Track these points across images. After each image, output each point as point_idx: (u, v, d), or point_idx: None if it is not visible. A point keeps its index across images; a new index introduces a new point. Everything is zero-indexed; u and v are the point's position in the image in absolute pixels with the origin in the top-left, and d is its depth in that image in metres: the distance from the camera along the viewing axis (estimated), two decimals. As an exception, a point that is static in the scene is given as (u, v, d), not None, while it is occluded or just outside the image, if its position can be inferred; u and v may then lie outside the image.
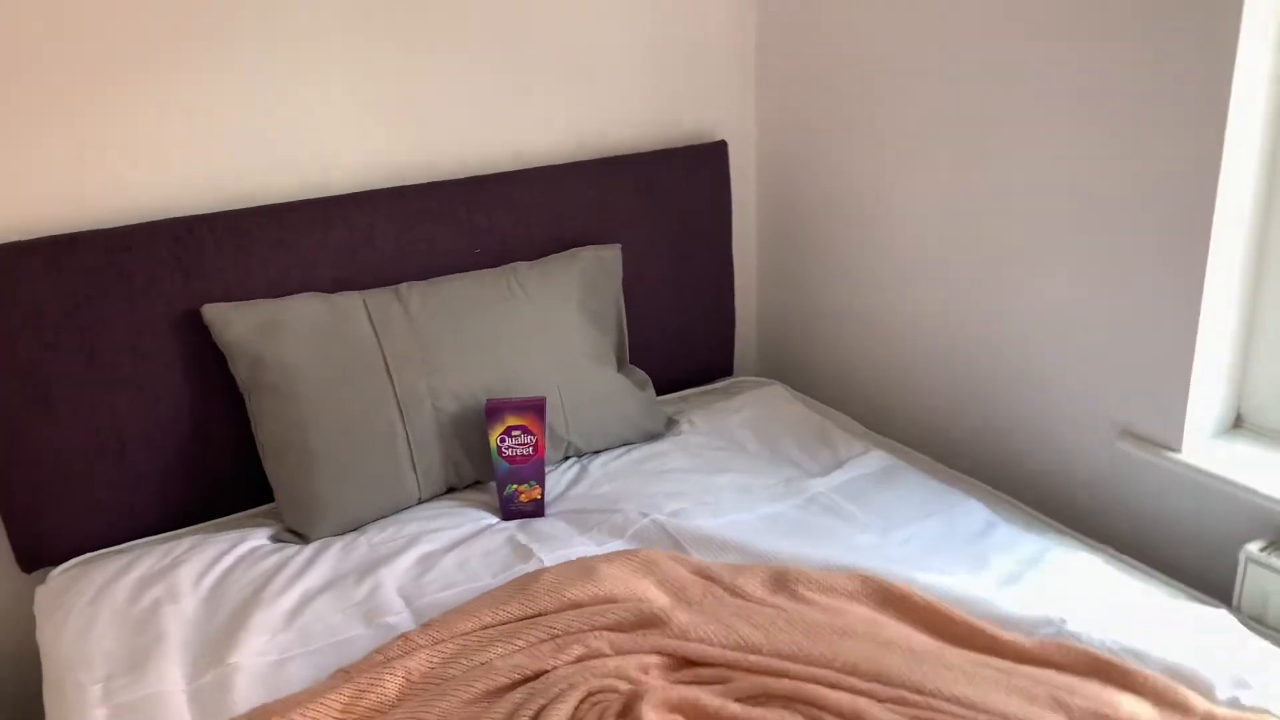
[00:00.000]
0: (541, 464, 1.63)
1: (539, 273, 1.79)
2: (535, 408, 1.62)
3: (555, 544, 1.52)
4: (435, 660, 1.24)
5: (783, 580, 1.38)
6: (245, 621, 1.36)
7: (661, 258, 2.03)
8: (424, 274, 1.75)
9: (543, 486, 1.63)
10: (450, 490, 1.71)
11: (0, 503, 1.56)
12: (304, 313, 1.61)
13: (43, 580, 1.56)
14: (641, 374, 1.93)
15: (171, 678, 1.27)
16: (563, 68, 1.92)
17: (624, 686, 1.13)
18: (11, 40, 1.47)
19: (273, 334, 1.58)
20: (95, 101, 1.55)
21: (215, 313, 1.59)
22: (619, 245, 1.93)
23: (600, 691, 1.14)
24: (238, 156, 1.67)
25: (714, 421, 1.92)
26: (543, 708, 1.11)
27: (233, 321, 1.58)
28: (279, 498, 1.62)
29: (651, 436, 1.86)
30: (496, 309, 1.72)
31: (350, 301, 1.64)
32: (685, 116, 2.09)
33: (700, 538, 1.52)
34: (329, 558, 1.52)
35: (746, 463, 1.77)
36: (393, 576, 1.46)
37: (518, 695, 1.15)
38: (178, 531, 1.65)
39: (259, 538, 1.59)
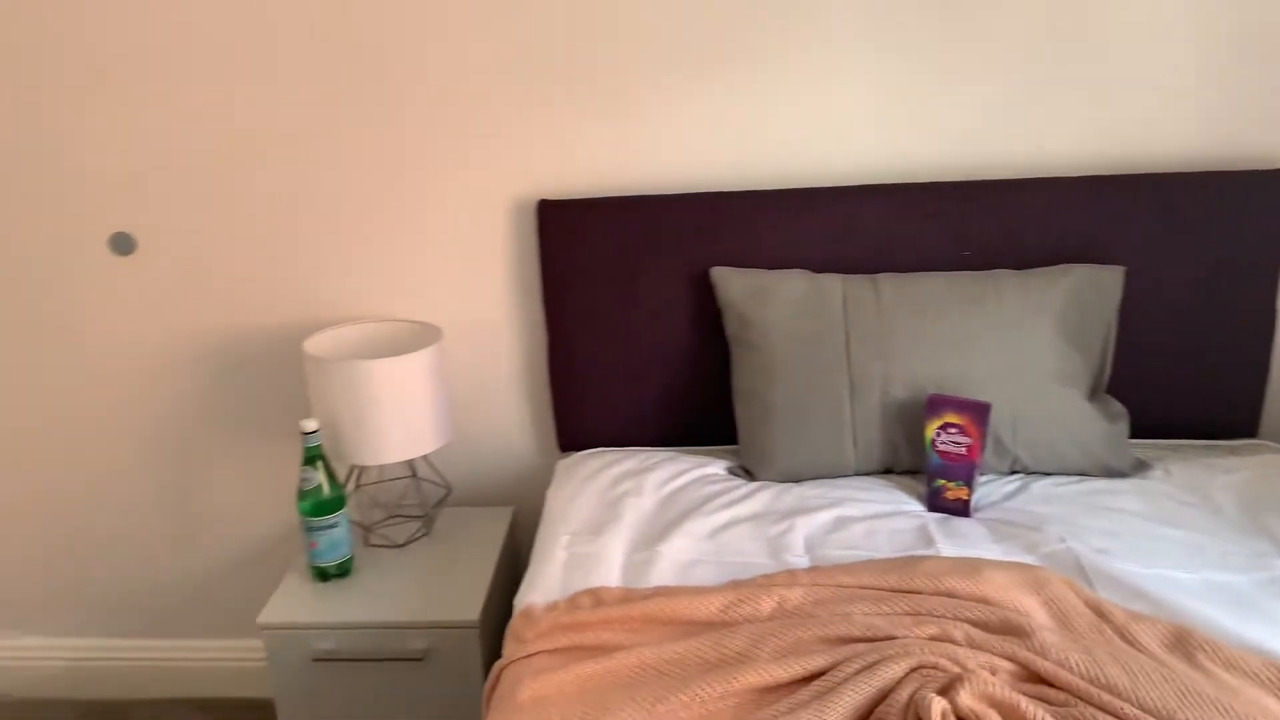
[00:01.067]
0: (974, 467, 1.67)
1: (1020, 282, 1.80)
2: (977, 410, 1.66)
3: (961, 542, 1.57)
4: (809, 598, 1.40)
5: (1185, 642, 1.28)
6: (681, 524, 1.65)
7: (1178, 291, 1.89)
8: (904, 267, 1.87)
9: (971, 488, 1.68)
10: (888, 471, 1.83)
11: (555, 398, 2.06)
12: (789, 286, 1.84)
13: (563, 458, 2.03)
14: (1118, 406, 1.84)
15: (615, 547, 1.61)
16: (1095, 72, 1.87)
17: (954, 669, 1.19)
18: (588, 42, 1.90)
19: (760, 299, 1.84)
20: (647, 95, 1.93)
21: (720, 275, 1.89)
22: (1122, 269, 1.85)
23: (931, 667, 1.20)
24: (756, 145, 1.95)
25: (1194, 475, 1.76)
26: (874, 662, 1.21)
27: (732, 284, 1.87)
28: (740, 438, 1.88)
29: (1111, 473, 1.77)
30: (966, 310, 1.78)
31: (830, 282, 1.83)
32: (1241, 138, 1.90)
33: (1114, 579, 1.45)
34: (764, 497, 1.75)
35: (1212, 524, 1.61)
36: (806, 526, 1.64)
37: (860, 647, 1.26)
38: (660, 448, 2.01)
39: (717, 467, 1.88)
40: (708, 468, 1.87)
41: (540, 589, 1.53)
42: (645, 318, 1.97)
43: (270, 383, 2.18)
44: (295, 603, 1.89)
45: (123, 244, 2.10)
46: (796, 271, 1.87)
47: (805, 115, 1.93)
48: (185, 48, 1.96)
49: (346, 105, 1.98)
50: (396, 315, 2.11)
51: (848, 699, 1.16)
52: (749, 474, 1.85)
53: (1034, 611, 1.34)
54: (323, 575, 1.94)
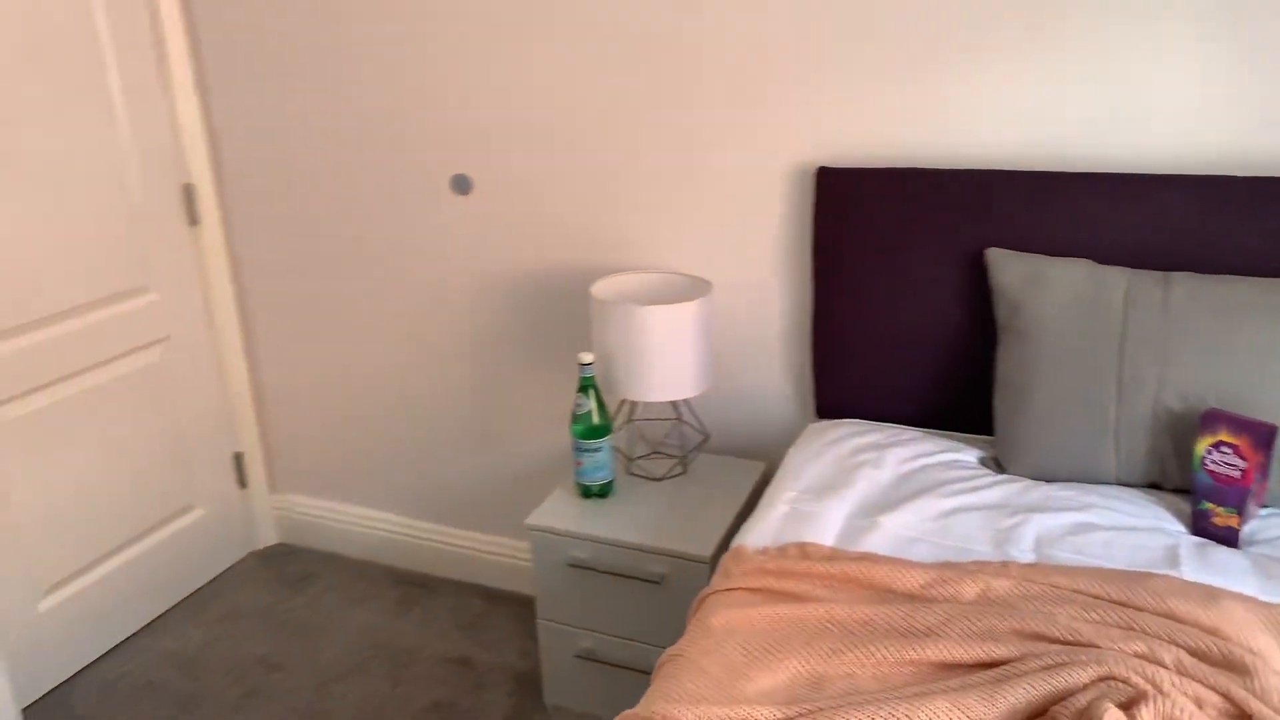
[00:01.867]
0: (1246, 493, 1.52)
1: (1347, 299, 1.59)
2: (1260, 432, 1.50)
3: (1214, 571, 1.44)
4: (1016, 591, 1.37)
5: None
6: (911, 501, 1.66)
7: None
8: (1205, 268, 1.71)
9: (1243, 516, 1.53)
10: (1153, 486, 1.70)
11: (815, 364, 2.11)
12: (1067, 275, 1.75)
13: (815, 423, 2.08)
14: None
15: (837, 510, 1.66)
16: None
17: (1145, 687, 1.12)
18: (867, 12, 1.89)
19: (1035, 286, 1.77)
20: (937, 63, 1.89)
21: (996, 257, 1.84)
22: None
23: (1121, 680, 1.15)
24: (1054, 124, 1.85)
25: None
26: (1061, 663, 1.18)
27: (1006, 267, 1.81)
28: (996, 428, 1.83)
29: None
30: (1273, 322, 1.60)
31: (1113, 276, 1.72)
32: None
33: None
34: (1007, 490, 1.70)
35: None
36: (1041, 524, 1.58)
37: (1053, 646, 1.23)
38: (913, 427, 2.00)
39: (968, 454, 1.84)
40: (958, 453, 1.84)
41: (754, 533, 1.61)
42: (914, 293, 1.96)
43: (564, 315, 2.42)
44: (559, 512, 2.12)
45: (462, 184, 2.42)
46: (1079, 261, 1.77)
47: (1113, 95, 1.81)
48: (523, 16, 2.21)
49: (646, 68, 2.14)
50: (673, 267, 2.26)
51: (1022, 691, 1.15)
52: (1000, 466, 1.80)
53: (1270, 653, 1.22)
54: (586, 492, 2.15)
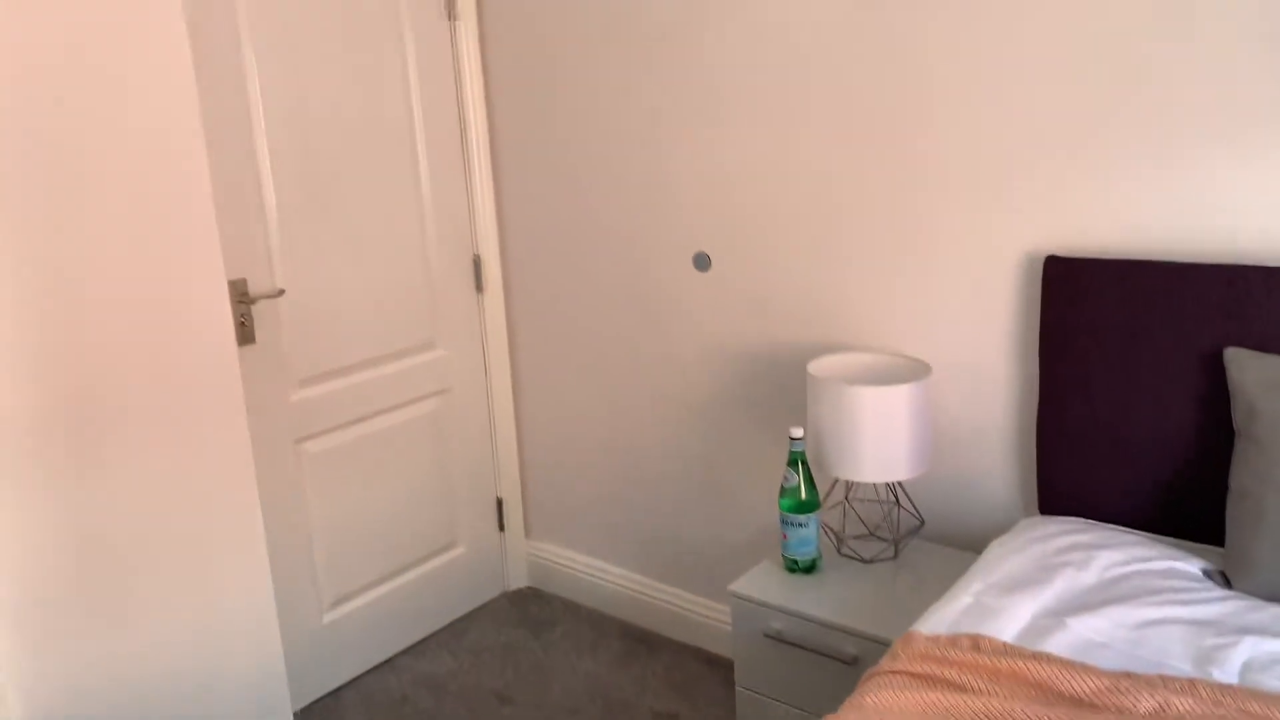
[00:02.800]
0: None
1: None
2: None
3: None
4: (1198, 712, 1.26)
5: None
6: (1109, 606, 1.57)
7: None
8: None
9: None
10: None
11: (1040, 456, 2.03)
12: (1315, 379, 1.59)
13: (1035, 515, 2.00)
14: None
15: (1024, 607, 1.59)
16: None
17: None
18: (1121, 92, 1.82)
19: (1275, 390, 1.62)
20: (1175, 150, 1.79)
21: (1234, 356, 1.71)
22: None
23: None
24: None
25: None
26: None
27: (1246, 368, 1.68)
28: (1226, 540, 1.68)
29: None
30: None
31: (1370, 382, 1.54)
32: None
33: None
34: (1227, 607, 1.56)
35: None
36: (1257, 647, 1.44)
37: (1223, 775, 1.13)
38: (1136, 530, 1.87)
39: (1191, 564, 1.70)
40: (1179, 562, 1.71)
41: (932, 621, 1.59)
42: (1147, 390, 1.85)
43: (788, 388, 2.49)
44: (761, 583, 2.18)
45: (702, 261, 2.59)
46: (1329, 364, 1.61)
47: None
48: (763, 102, 2.36)
49: (877, 152, 2.20)
50: (895, 348, 2.27)
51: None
52: (1226, 581, 1.65)
53: None
54: (791, 566, 2.19)
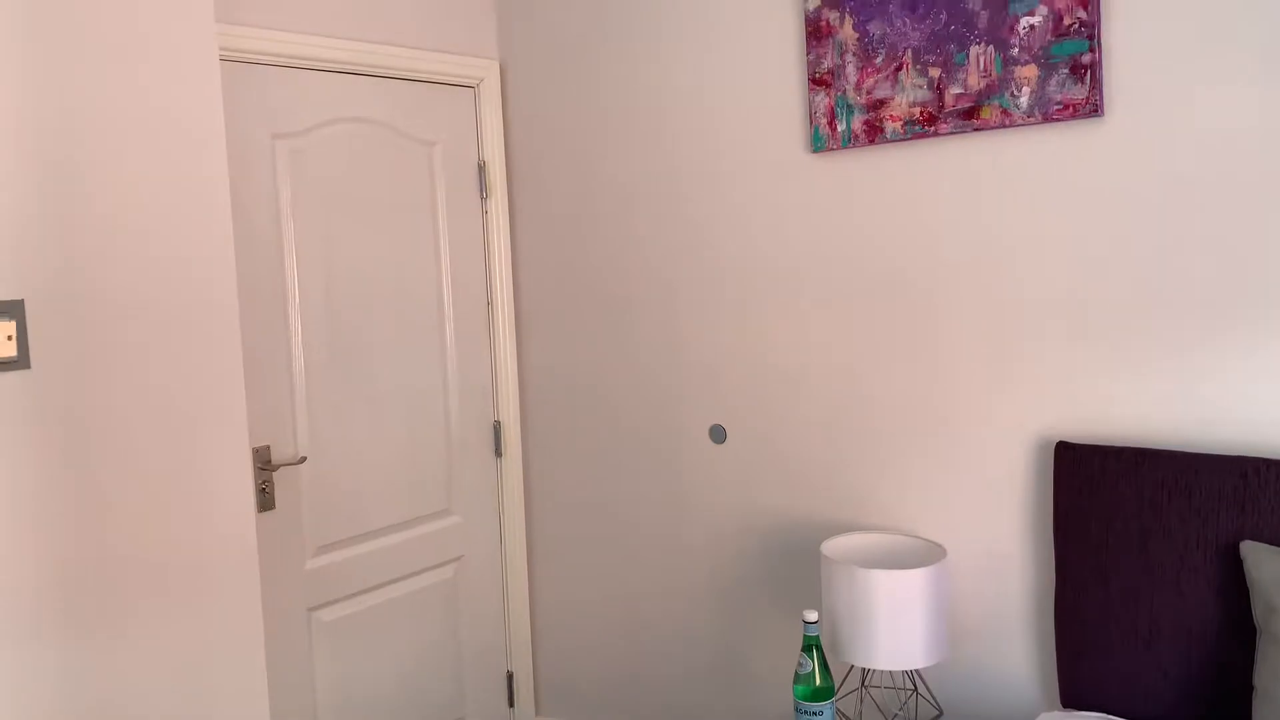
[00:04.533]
0: None
1: None
2: None
3: None
4: None
5: None
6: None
7: None
8: None
9: None
10: None
11: (1059, 646, 1.99)
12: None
13: (1052, 712, 1.93)
14: None
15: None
16: None
17: None
18: (1116, 280, 1.87)
19: (1297, 588, 1.60)
20: (1189, 342, 1.82)
21: (1251, 551, 1.69)
22: None
23: None
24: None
25: None
26: None
27: (1264, 564, 1.66)
28: (1256, 745, 1.62)
29: None
30: None
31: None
32: None
33: None
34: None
35: None
36: None
37: None
38: (1165, 729, 1.80)
39: (1222, 771, 1.63)
40: (1208, 767, 1.64)
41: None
42: (1164, 580, 1.82)
43: (800, 566, 2.47)
44: (776, 773, 2.10)
45: (718, 434, 2.62)
46: (1349, 564, 1.59)
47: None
48: (777, 281, 2.44)
49: (893, 334, 2.25)
50: (908, 529, 2.26)
51: None
52: (1260, 790, 1.58)
53: None
54: (807, 757, 2.11)
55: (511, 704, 3.17)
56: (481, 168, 3.02)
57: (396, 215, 2.79)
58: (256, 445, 2.49)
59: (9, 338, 1.75)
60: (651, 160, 2.70)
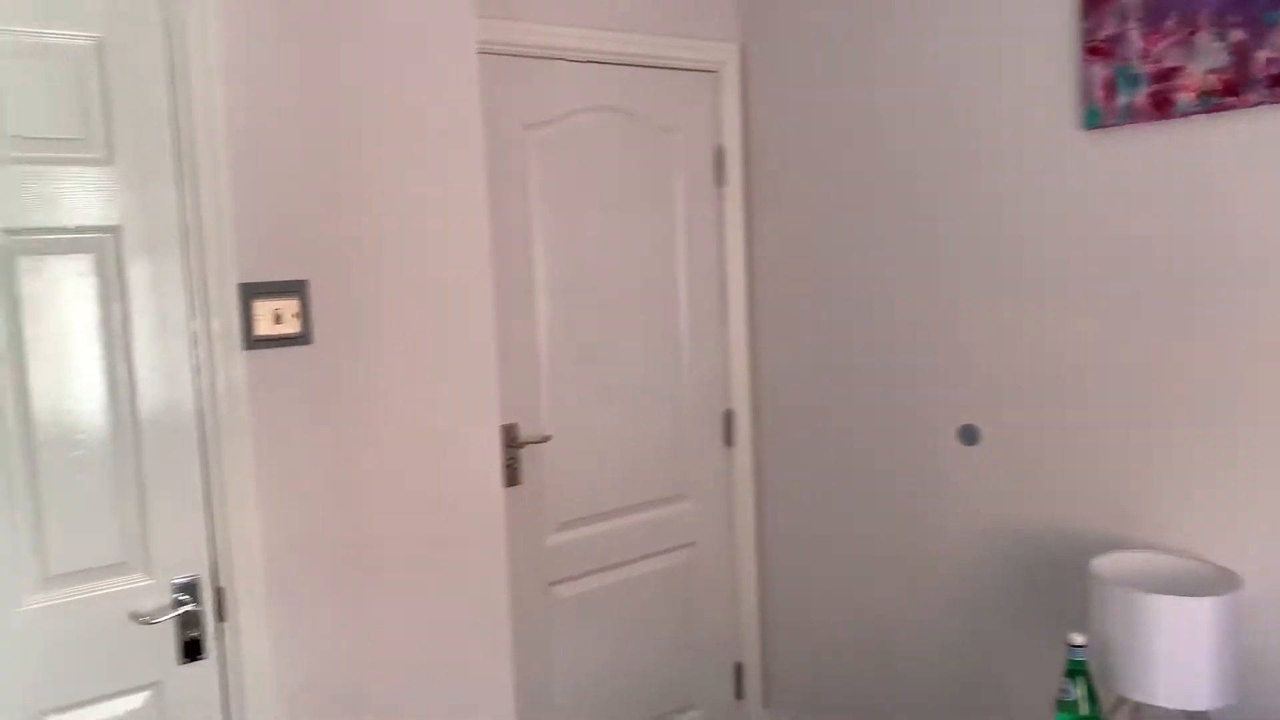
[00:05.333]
0: None
1: None
2: None
3: None
4: None
5: None
6: None
7: None
8: None
9: None
10: None
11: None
12: None
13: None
14: None
15: None
16: None
17: None
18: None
19: None
20: None
21: None
22: None
23: None
24: None
25: None
26: None
27: None
28: None
29: None
30: None
31: None
32: None
33: None
34: None
35: None
36: None
37: None
38: None
39: None
40: None
41: None
42: None
43: (1060, 583, 2.27)
44: (1031, 804, 1.94)
45: (970, 435, 2.46)
46: None
47: None
48: (1050, 274, 2.24)
49: (1178, 334, 2.01)
50: (1194, 552, 2.02)
51: None
52: None
53: None
54: (1066, 790, 1.94)
55: (739, 695, 3.13)
56: (719, 154, 2.98)
57: (635, 202, 2.80)
58: (505, 423, 2.57)
59: (294, 315, 1.88)
60: (900, 143, 2.56)
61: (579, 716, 2.77)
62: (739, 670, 3.13)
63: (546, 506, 2.67)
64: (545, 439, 2.64)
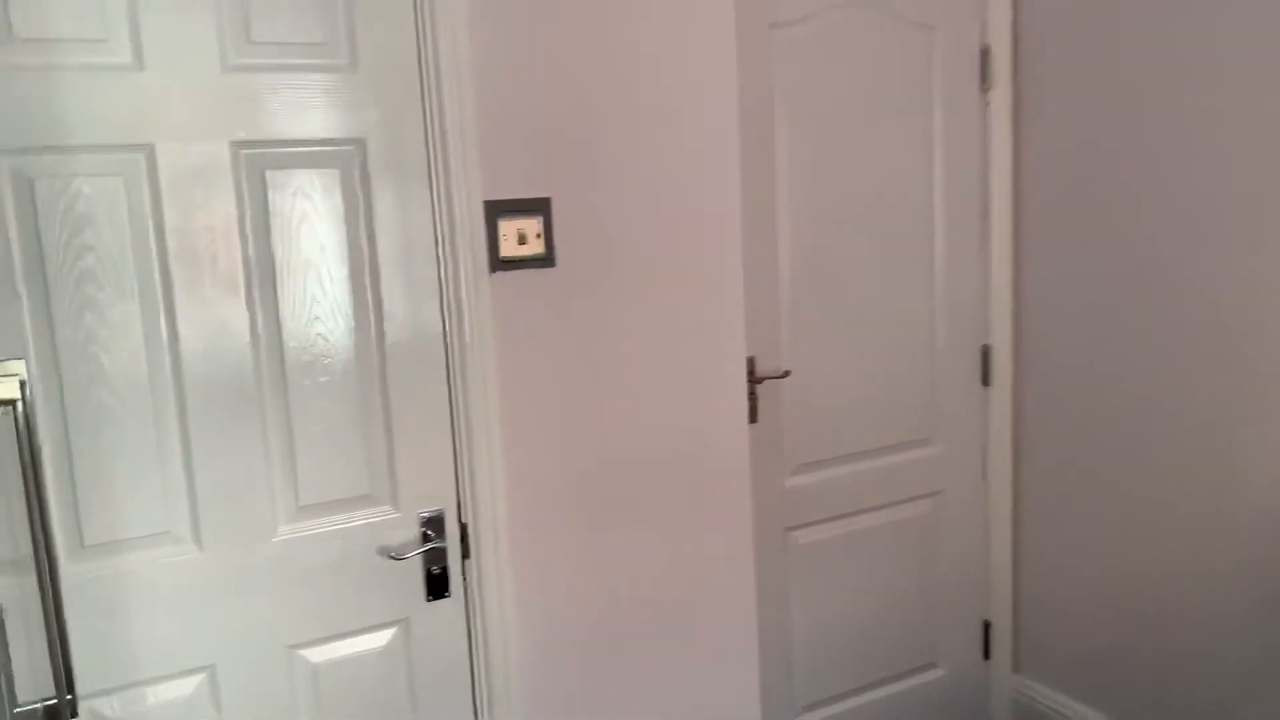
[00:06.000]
0: None
1: None
2: None
3: None
4: None
5: None
6: None
7: None
8: None
9: None
10: None
11: None
12: None
13: None
14: None
15: None
16: None
17: None
18: None
19: None
20: None
21: None
22: None
23: None
24: None
25: None
26: None
27: None
28: None
29: None
30: None
31: None
32: None
33: None
34: None
35: None
36: None
37: None
38: None
39: None
40: None
41: None
42: None
43: None
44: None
45: (1307, 379, 2.05)
46: None
47: None
48: None
49: None
50: None
51: None
52: None
53: None
54: None
55: (987, 656, 2.87)
56: (984, 55, 2.62)
57: (887, 111, 2.49)
58: (744, 357, 2.38)
59: (538, 236, 1.73)
60: (1203, 43, 2.13)
61: (815, 669, 2.59)
62: (987, 629, 2.86)
63: (784, 447, 2.46)
64: (785, 374, 2.42)
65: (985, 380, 2.76)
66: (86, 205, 1.44)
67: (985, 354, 2.75)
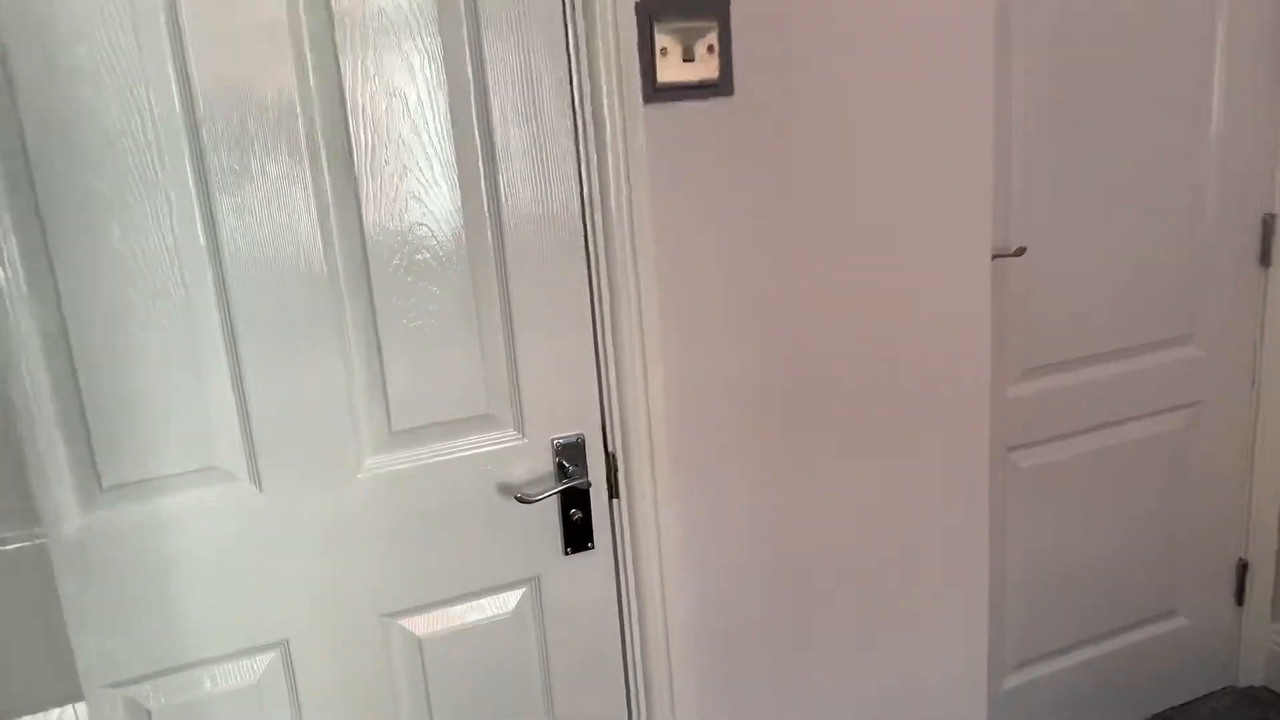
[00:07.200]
0: None
1: None
2: None
3: None
4: None
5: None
6: None
7: None
8: None
9: None
10: None
11: None
12: None
13: None
14: None
15: None
16: None
17: None
18: None
19: None
20: None
21: None
22: None
23: None
24: None
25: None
26: None
27: None
28: None
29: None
30: None
31: None
32: None
33: None
34: None
35: None
36: None
37: None
38: None
39: None
40: None
41: None
42: None
43: None
44: None
45: None
46: None
47: None
48: None
49: None
50: None
51: None
52: None
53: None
54: None
55: (1240, 601, 2.31)
56: None
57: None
58: (965, 230, 1.81)
59: (709, 50, 1.20)
60: None
61: (1031, 620, 2.09)
62: (1243, 570, 2.30)
63: (1009, 346, 1.92)
64: (1019, 251, 1.85)
65: (1264, 259, 2.12)
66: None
67: (1267, 225, 2.10)
